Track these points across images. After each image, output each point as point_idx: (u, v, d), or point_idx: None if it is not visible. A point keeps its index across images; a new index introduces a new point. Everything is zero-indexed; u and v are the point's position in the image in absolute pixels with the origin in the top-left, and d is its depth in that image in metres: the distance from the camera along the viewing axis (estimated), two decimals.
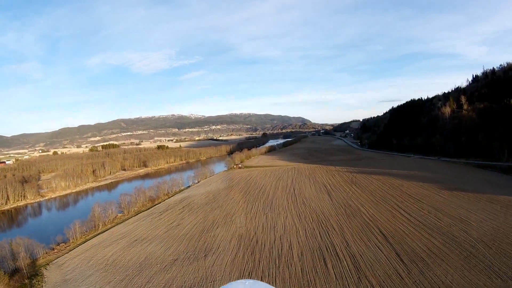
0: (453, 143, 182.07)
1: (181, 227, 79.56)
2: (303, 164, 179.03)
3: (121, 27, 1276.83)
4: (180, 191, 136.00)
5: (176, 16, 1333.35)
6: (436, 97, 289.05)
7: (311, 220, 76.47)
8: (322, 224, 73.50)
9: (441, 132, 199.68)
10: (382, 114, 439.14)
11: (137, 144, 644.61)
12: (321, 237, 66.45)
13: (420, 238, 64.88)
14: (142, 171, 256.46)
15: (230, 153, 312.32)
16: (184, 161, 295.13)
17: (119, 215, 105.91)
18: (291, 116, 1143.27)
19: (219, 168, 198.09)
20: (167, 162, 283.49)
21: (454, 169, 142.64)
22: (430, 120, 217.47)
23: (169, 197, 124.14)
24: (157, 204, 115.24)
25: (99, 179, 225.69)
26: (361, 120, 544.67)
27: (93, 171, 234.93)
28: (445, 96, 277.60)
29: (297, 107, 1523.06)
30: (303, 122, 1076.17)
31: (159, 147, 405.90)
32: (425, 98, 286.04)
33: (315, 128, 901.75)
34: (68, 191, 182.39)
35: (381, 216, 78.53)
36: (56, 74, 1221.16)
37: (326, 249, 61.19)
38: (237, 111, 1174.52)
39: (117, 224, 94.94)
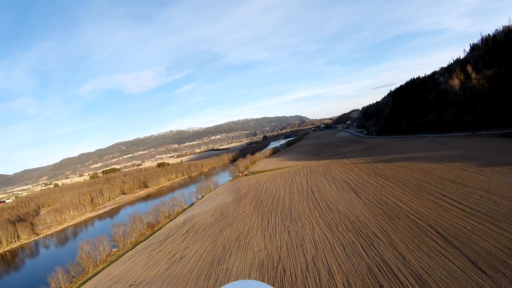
0: (469, 115, 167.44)
1: (185, 260, 62.93)
2: (314, 161, 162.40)
3: (108, 51, 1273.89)
4: (183, 210, 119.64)
5: (160, 33, 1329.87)
6: (438, 72, 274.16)
7: (346, 230, 59.83)
8: (362, 233, 56.89)
9: (454, 106, 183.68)
10: (380, 99, 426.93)
11: (138, 165, 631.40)
12: (366, 252, 49.80)
13: (489, 234, 48.38)
14: (142, 192, 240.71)
15: (233, 160, 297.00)
16: (186, 176, 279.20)
17: (114, 250, 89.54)
18: (289, 115, 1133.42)
19: (224, 178, 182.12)
20: (169, 180, 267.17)
21: (480, 143, 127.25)
22: (439, 95, 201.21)
23: (170, 220, 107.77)
24: (157, 230, 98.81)
25: (98, 207, 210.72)
26: (360, 108, 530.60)
27: (91, 200, 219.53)
28: (447, 69, 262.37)
29: (293, 106, 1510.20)
30: (301, 120, 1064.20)
31: (159, 165, 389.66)
32: (423, 76, 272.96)
33: (314, 124, 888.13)
34: (64, 225, 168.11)
35: (429, 211, 62.07)
36: (51, 107, 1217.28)
37: (379, 269, 44.50)
38: (234, 118, 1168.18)
39: (110, 264, 78.49)
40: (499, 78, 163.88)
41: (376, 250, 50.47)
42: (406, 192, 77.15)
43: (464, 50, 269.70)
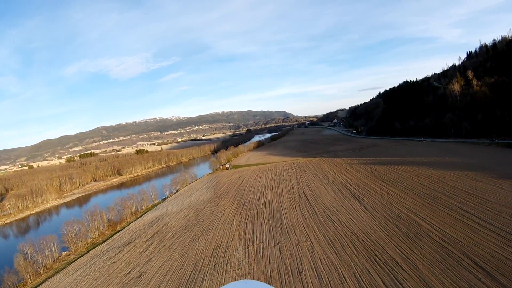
0: (469, 122, 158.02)
1: (144, 281, 47.29)
2: (302, 158, 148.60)
3: (96, 33, 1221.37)
4: (153, 206, 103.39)
5: (149, 19, 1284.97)
6: (433, 77, 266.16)
7: (356, 252, 45.52)
8: (378, 260, 42.79)
9: (453, 111, 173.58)
10: (368, 100, 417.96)
11: (118, 151, 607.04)
12: None
13: None
14: (115, 180, 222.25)
15: (215, 152, 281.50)
16: (164, 165, 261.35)
17: (64, 253, 72.93)
18: (273, 111, 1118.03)
19: (203, 170, 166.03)
20: (145, 168, 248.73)
21: (485, 151, 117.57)
22: (436, 99, 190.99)
23: (137, 218, 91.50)
24: (119, 231, 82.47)
25: (65, 194, 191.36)
26: (347, 108, 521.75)
27: (59, 186, 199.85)
28: (443, 75, 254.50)
29: (278, 101, 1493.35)
30: (286, 116, 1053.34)
31: (137, 151, 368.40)
32: (415, 80, 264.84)
33: (298, 121, 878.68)
34: (26, 213, 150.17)
35: (456, 232, 49.20)
36: (34, 87, 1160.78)
37: None
38: (218, 110, 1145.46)
39: (55, 273, 62.24)
40: (501, 86, 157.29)
41: (402, 285, 36.79)
42: (419, 204, 64.05)
43: (460, 58, 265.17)
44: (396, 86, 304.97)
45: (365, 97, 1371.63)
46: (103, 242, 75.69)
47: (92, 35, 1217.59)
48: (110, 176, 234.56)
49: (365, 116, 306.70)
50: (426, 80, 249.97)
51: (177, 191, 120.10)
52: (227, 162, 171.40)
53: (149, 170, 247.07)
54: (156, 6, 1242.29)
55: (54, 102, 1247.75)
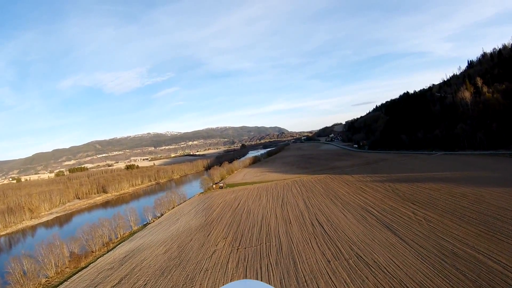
0: (483, 132, 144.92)
1: None
2: (305, 175, 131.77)
3: (92, 47, 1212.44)
4: (131, 234, 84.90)
5: (145, 34, 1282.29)
6: (435, 86, 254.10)
7: None
8: None
9: (464, 120, 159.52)
10: (365, 114, 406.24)
11: (109, 166, 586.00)
12: None
13: None
14: (99, 198, 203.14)
15: (208, 168, 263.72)
16: (153, 182, 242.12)
17: None
18: (268, 126, 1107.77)
19: (194, 189, 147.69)
20: (132, 185, 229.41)
21: (510, 164, 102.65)
22: (445, 108, 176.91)
23: (108, 250, 73.08)
24: (82, 268, 64.19)
25: (43, 213, 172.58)
26: (343, 122, 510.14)
27: (39, 203, 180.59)
28: (447, 84, 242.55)
29: (273, 117, 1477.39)
30: (280, 131, 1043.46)
31: (128, 167, 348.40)
32: (414, 92, 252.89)
33: (293, 136, 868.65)
34: None
35: None
36: (29, 99, 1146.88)
37: None
38: (213, 125, 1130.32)
39: None
40: None
41: None
42: (472, 233, 47.56)
43: (459, 67, 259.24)
44: (396, 98, 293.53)
45: (359, 112, 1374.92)
46: (59, 285, 57.58)
47: (87, 49, 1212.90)
48: (95, 194, 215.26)
49: (365, 130, 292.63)
50: (428, 90, 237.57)
51: (162, 214, 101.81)
52: (221, 180, 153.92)
53: (137, 187, 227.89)
54: (152, 22, 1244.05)
55: (49, 115, 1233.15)
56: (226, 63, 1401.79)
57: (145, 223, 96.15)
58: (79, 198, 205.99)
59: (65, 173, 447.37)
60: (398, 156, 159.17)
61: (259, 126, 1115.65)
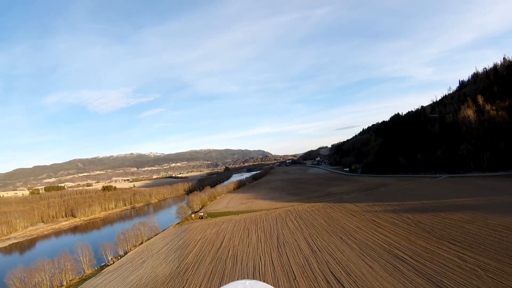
0: (491, 152, 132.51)
1: None
2: (299, 203, 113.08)
3: (78, 65, 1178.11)
4: (80, 281, 63.67)
5: (132, 55, 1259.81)
6: (427, 107, 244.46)
7: None
8: None
9: (469, 140, 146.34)
10: (351, 137, 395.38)
11: (88, 185, 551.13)
12: None
13: None
14: (66, 223, 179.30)
15: (189, 192, 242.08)
16: (129, 207, 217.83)
17: None
18: (251, 149, 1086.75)
19: (172, 216, 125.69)
20: (105, 209, 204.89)
21: None
22: (446, 128, 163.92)
23: None
24: None
25: None
26: (329, 146, 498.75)
27: None
28: (440, 103, 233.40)
29: (257, 140, 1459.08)
30: (264, 154, 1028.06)
31: (104, 188, 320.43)
32: (406, 112, 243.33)
33: (276, 159, 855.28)
34: None
35: None
36: (12, 114, 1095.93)
37: None
38: (197, 147, 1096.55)
39: None
40: None
41: None
42: None
43: (450, 88, 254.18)
44: (387, 120, 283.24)
45: (342, 136, 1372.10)
46: None
47: (74, 66, 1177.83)
48: (62, 218, 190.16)
49: (354, 153, 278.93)
50: (421, 111, 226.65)
51: (126, 253, 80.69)
52: (202, 207, 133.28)
53: (109, 212, 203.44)
54: (140, 43, 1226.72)
55: (32, 131, 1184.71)
56: (212, 86, 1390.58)
57: (102, 264, 74.80)
58: (44, 222, 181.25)
59: (40, 191, 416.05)
60: (399, 180, 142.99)
61: (243, 149, 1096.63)
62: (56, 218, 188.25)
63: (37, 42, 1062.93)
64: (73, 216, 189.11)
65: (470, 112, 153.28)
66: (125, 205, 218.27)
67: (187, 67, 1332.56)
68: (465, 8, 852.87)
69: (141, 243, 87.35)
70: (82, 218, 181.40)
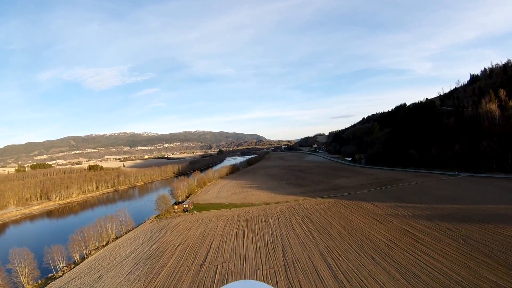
0: None
1: None
2: (303, 197, 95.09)
3: (75, 41, 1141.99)
4: None
5: (129, 33, 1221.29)
6: (437, 99, 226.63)
7: None
8: None
9: (491, 137, 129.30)
10: (350, 125, 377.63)
11: (77, 163, 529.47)
12: None
13: None
14: (38, 207, 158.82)
15: (179, 174, 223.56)
16: (111, 189, 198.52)
17: None
18: (246, 133, 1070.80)
19: (152, 205, 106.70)
20: (85, 192, 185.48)
21: None
22: (464, 121, 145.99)
23: None
24: None
25: None
26: (327, 133, 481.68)
27: None
28: (448, 97, 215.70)
29: (251, 124, 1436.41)
30: (259, 139, 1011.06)
31: (90, 167, 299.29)
32: (416, 102, 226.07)
33: (271, 144, 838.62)
34: None
35: None
36: (6, 90, 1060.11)
37: None
38: (191, 128, 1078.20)
39: None
40: None
41: None
42: None
43: (459, 81, 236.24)
44: (392, 109, 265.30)
45: (337, 125, 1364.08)
46: None
47: (70, 43, 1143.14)
48: (36, 200, 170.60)
49: (355, 142, 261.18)
50: (431, 103, 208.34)
51: (84, 258, 62.11)
52: (188, 196, 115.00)
53: (89, 195, 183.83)
54: (137, 21, 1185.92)
55: (26, 107, 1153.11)
56: (209, 67, 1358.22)
57: (50, 275, 56.33)
58: (15, 205, 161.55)
59: (27, 169, 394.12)
60: (413, 175, 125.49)
61: (237, 132, 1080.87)
62: (31, 200, 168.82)
63: (34, 16, 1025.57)
64: (48, 199, 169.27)
65: (493, 106, 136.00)
66: (107, 187, 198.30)
67: (185, 48, 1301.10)
68: (469, 6, 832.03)
69: (107, 244, 68.52)
70: (57, 202, 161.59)
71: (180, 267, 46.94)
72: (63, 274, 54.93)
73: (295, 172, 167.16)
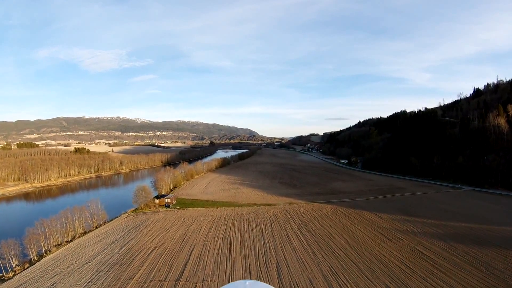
0: None
1: None
2: (298, 200, 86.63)
3: (74, 21, 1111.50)
4: None
5: (130, 17, 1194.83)
6: (439, 108, 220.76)
7: None
8: None
9: (496, 151, 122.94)
10: (345, 128, 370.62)
11: (66, 145, 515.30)
12: None
13: None
14: (13, 189, 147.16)
15: (167, 164, 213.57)
16: (93, 175, 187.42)
17: None
18: (240, 127, 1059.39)
19: (130, 198, 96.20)
20: (66, 175, 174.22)
21: None
22: (469, 133, 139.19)
23: None
24: None
25: None
26: (321, 134, 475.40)
27: None
28: (449, 108, 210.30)
29: (245, 119, 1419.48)
30: (251, 134, 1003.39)
31: (76, 150, 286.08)
32: (416, 111, 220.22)
33: (263, 140, 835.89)
34: None
35: None
36: (1, 65, 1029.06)
37: None
38: (184, 118, 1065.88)
39: None
40: None
41: None
42: None
43: (460, 94, 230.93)
44: (391, 114, 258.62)
45: (331, 126, 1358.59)
46: None
47: (70, 23, 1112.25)
48: (13, 181, 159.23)
49: (350, 145, 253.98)
50: (433, 112, 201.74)
51: (42, 257, 52.57)
52: (173, 188, 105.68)
53: (70, 179, 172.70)
54: (140, 6, 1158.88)
55: (20, 84, 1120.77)
56: (207, 59, 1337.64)
57: (0, 275, 46.91)
58: None
59: (12, 147, 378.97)
60: (414, 185, 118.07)
61: (230, 125, 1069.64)
62: (7, 181, 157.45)
63: None
64: (26, 180, 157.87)
65: (501, 121, 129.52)
66: (90, 172, 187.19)
67: (185, 37, 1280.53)
68: (473, 20, 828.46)
69: (72, 240, 59.10)
70: (34, 184, 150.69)
71: (151, 281, 37.93)
72: (13, 275, 45.54)
73: (289, 171, 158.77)
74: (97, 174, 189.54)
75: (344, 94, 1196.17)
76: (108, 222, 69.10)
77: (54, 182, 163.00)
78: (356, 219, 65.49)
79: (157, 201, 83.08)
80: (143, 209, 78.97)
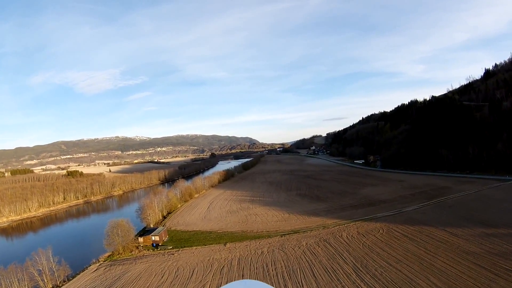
0: None
1: None
2: (329, 218, 66.16)
3: (66, 45, 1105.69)
4: None
5: (122, 36, 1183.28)
6: (451, 93, 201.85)
7: None
8: None
9: None
10: (349, 126, 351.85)
11: (62, 169, 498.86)
12: None
13: None
14: None
15: (165, 181, 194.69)
16: (81, 201, 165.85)
17: None
18: (239, 136, 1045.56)
19: (132, 216, 72.87)
20: (49, 204, 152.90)
21: None
22: (501, 115, 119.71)
23: None
24: None
25: None
26: (324, 135, 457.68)
27: None
28: (462, 92, 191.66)
29: (244, 127, 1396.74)
30: (252, 142, 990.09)
31: (69, 173, 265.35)
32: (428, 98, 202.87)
33: (264, 147, 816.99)
34: None
35: None
36: None
37: None
38: (183, 132, 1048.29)
39: None
40: None
41: None
42: None
43: (469, 76, 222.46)
44: (399, 105, 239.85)
45: (330, 127, 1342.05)
46: None
47: (62, 46, 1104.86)
48: None
49: (360, 143, 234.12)
50: (451, 96, 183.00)
51: None
52: (167, 215, 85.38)
53: (53, 208, 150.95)
54: (130, 24, 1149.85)
55: (16, 111, 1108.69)
56: (202, 71, 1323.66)
57: None
58: None
59: (6, 174, 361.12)
60: (456, 182, 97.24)
61: (230, 135, 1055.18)
62: None
63: (25, 19, 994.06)
64: (1, 213, 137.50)
65: None
66: (77, 198, 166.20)
67: (177, 51, 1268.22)
68: (460, 7, 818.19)
69: None
70: (10, 218, 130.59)
71: None
72: None
73: (303, 179, 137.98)
74: (86, 199, 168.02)
75: (341, 93, 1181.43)
76: (70, 280, 47.82)
77: (34, 213, 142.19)
78: (428, 243, 45.30)
79: (141, 239, 61.49)
80: (121, 254, 57.62)
